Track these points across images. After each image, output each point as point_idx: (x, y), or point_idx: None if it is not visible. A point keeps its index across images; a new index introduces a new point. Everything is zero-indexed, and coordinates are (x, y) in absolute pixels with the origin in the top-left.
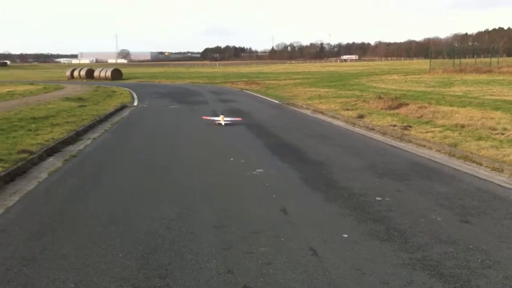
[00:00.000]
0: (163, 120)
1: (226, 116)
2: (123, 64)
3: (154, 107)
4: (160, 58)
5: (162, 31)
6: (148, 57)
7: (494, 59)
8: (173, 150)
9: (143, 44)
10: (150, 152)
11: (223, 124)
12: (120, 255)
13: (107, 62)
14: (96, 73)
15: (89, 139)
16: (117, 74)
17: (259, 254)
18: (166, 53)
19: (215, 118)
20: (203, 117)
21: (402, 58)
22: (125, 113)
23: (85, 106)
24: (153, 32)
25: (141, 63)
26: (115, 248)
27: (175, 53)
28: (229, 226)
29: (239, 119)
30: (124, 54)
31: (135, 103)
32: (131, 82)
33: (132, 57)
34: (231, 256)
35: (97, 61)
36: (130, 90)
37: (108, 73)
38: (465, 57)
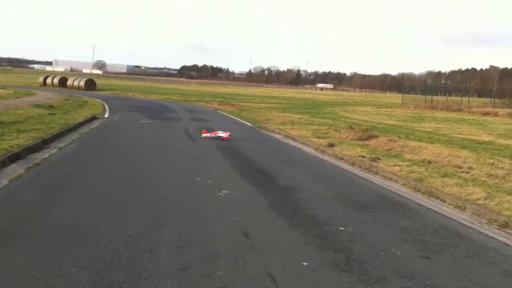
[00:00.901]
0: (133, 135)
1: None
2: (98, 75)
3: (125, 121)
4: (136, 72)
5: (141, 45)
6: (124, 70)
7: (465, 99)
8: (139, 166)
9: (120, 57)
10: (115, 166)
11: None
12: (74, 269)
13: (81, 71)
14: (69, 82)
15: (55, 148)
16: (90, 84)
17: (216, 277)
18: (143, 67)
19: (214, 135)
20: (204, 133)
21: (376, 91)
22: (95, 124)
23: (55, 114)
24: (131, 45)
25: (116, 75)
26: (69, 262)
27: (152, 68)
28: (189, 247)
29: (228, 133)
30: (100, 65)
31: (106, 115)
32: (104, 93)
33: (108, 69)
34: (187, 278)
35: (71, 69)
36: (103, 102)
37: (82, 83)
38: (437, 94)
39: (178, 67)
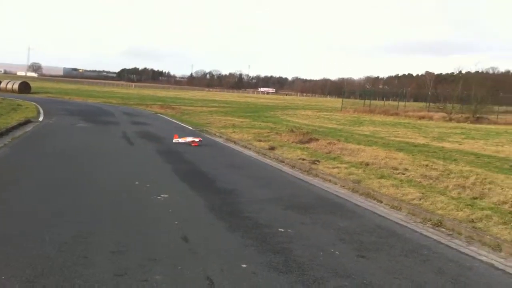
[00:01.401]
0: (68, 139)
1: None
2: (33, 78)
3: (61, 125)
4: (73, 75)
5: (78, 47)
6: (61, 73)
7: (401, 103)
8: (75, 170)
9: (56, 59)
10: (48, 172)
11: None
12: (3, 277)
13: (16, 74)
14: (2, 85)
15: None
16: (25, 87)
17: (153, 282)
18: (81, 70)
19: (185, 140)
20: (175, 138)
21: (317, 95)
22: (28, 128)
23: None
24: (69, 48)
25: (53, 78)
26: None
27: (90, 71)
28: (126, 252)
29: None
30: (35, 67)
31: (41, 119)
32: (40, 96)
33: (44, 71)
34: (123, 284)
35: (5, 72)
36: (37, 105)
37: (16, 86)
38: (375, 99)
39: (117, 70)
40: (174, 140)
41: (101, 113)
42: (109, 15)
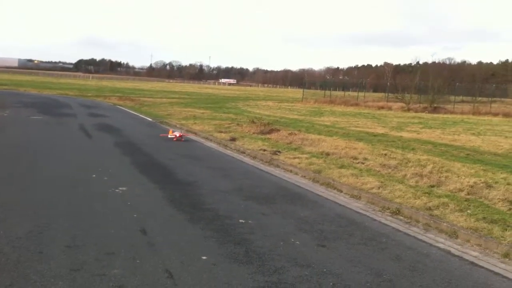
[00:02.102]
0: (23, 132)
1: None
2: None
3: (15, 117)
4: (28, 66)
5: (33, 37)
6: (16, 64)
7: (361, 94)
8: (31, 163)
9: (10, 50)
10: (4, 164)
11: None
12: None
13: None
14: None
15: None
16: None
17: (111, 276)
18: (36, 61)
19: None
20: (161, 135)
21: (278, 86)
22: None
23: None
24: (22, 38)
25: (7, 69)
26: None
27: (46, 62)
28: (83, 247)
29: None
30: None
31: None
32: None
33: None
34: (80, 278)
35: None
36: None
37: None
38: (336, 90)
39: (74, 61)
40: (170, 136)
41: (58, 105)
42: (63, 2)
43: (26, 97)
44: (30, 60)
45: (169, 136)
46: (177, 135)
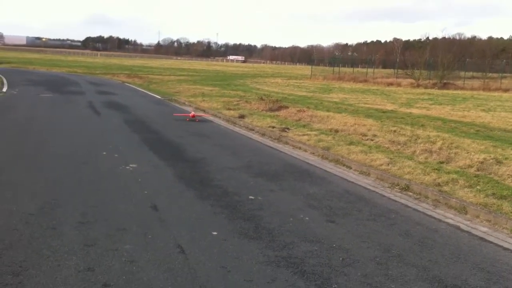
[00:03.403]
0: (33, 109)
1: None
2: None
3: (25, 95)
4: (37, 44)
5: (41, 15)
6: (24, 42)
7: (370, 70)
8: (42, 141)
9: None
10: (15, 142)
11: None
12: None
13: None
14: None
15: None
16: None
17: (123, 251)
18: (44, 39)
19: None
20: (174, 114)
21: (286, 63)
22: None
23: None
24: (31, 16)
25: (15, 47)
26: None
27: (54, 40)
28: (95, 223)
29: (208, 115)
30: None
31: (4, 89)
32: (2, 66)
33: (6, 41)
34: (93, 254)
35: None
36: (0, 75)
37: None
38: (344, 66)
39: (82, 38)
40: (182, 116)
41: (66, 83)
42: None
43: (35, 75)
44: (38, 38)
45: (181, 116)
46: (190, 115)
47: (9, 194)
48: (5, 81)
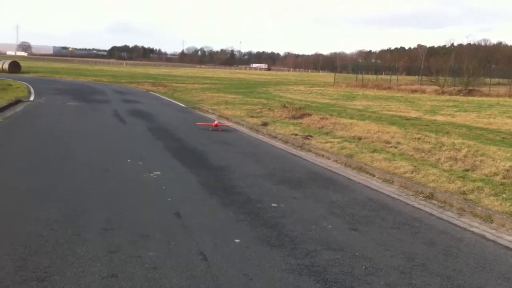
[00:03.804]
0: (59, 118)
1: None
2: (23, 57)
3: (52, 104)
4: (63, 53)
5: (67, 25)
6: (51, 51)
7: (394, 77)
8: (68, 148)
9: (46, 38)
10: (42, 150)
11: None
12: None
13: (5, 54)
14: None
15: None
16: (15, 67)
17: (146, 258)
18: (70, 49)
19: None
20: (197, 123)
21: (309, 70)
22: (19, 108)
23: None
24: (58, 26)
25: (42, 57)
26: None
27: (80, 49)
28: (119, 229)
29: (230, 124)
30: (25, 46)
31: (32, 98)
32: (30, 76)
33: (34, 50)
34: (117, 260)
35: None
36: (28, 85)
37: (5, 65)
38: (368, 73)
39: (107, 48)
40: (204, 125)
41: (92, 92)
42: None
43: (62, 84)
44: (65, 48)
45: (204, 125)
46: (213, 124)
47: (35, 201)
48: (32, 90)
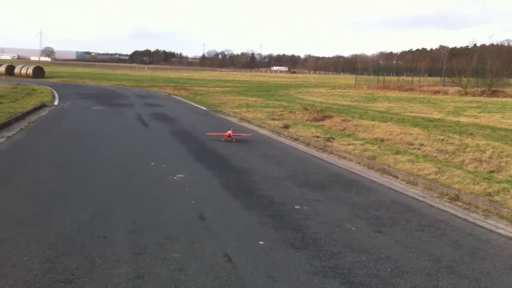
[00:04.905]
0: (83, 122)
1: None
2: (46, 62)
3: (76, 108)
4: (86, 58)
5: (90, 30)
6: (74, 56)
7: (416, 78)
8: (92, 152)
9: (69, 43)
10: (67, 153)
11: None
12: (26, 258)
13: (29, 59)
14: (16, 70)
15: (3, 137)
16: (39, 72)
17: (172, 260)
18: (93, 53)
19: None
20: (207, 133)
21: (330, 73)
22: (44, 112)
23: (2, 103)
24: (80, 31)
25: (66, 62)
26: (20, 251)
27: (103, 54)
28: (144, 231)
29: (248, 135)
30: (48, 52)
31: (56, 103)
32: (54, 81)
33: (57, 56)
34: (142, 262)
35: (19, 57)
36: (52, 89)
37: (30, 71)
38: (389, 75)
39: (129, 52)
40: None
41: (115, 96)
42: None
43: (85, 88)
44: (88, 53)
45: (216, 135)
46: (226, 135)
47: (61, 203)
48: (56, 95)
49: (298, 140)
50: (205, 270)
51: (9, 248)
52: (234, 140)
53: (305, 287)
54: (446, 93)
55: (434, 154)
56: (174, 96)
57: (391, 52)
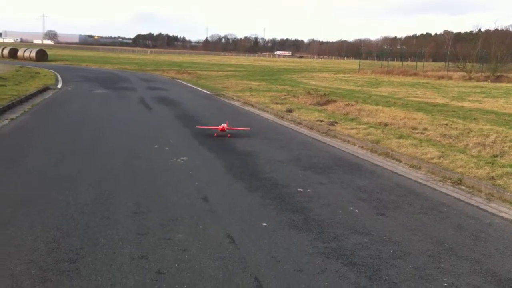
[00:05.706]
0: (87, 104)
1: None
2: (49, 45)
3: (79, 91)
4: (89, 42)
5: (93, 14)
6: (77, 40)
7: (420, 63)
8: (96, 135)
9: (71, 26)
10: (70, 136)
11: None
12: (30, 238)
13: (32, 42)
14: (20, 53)
15: (7, 119)
16: (42, 55)
17: (176, 240)
18: (96, 37)
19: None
20: (197, 127)
21: (334, 57)
22: (48, 95)
23: (5, 86)
24: (83, 15)
25: (68, 45)
26: (24, 231)
27: (106, 38)
28: (148, 213)
29: (246, 129)
30: (51, 35)
31: (59, 86)
32: (57, 64)
33: (60, 39)
34: (146, 242)
35: (22, 41)
36: (55, 72)
37: (33, 54)
38: (393, 60)
39: (132, 36)
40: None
41: (118, 79)
42: None
43: (88, 72)
44: (91, 36)
45: (206, 128)
46: (219, 128)
47: (65, 185)
48: (59, 78)
49: (301, 124)
50: (209, 250)
51: (13, 228)
52: (228, 135)
53: (308, 268)
54: (450, 78)
55: (438, 139)
56: (177, 80)
57: (395, 37)
